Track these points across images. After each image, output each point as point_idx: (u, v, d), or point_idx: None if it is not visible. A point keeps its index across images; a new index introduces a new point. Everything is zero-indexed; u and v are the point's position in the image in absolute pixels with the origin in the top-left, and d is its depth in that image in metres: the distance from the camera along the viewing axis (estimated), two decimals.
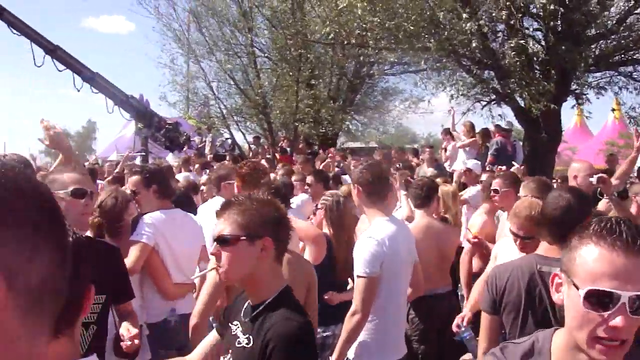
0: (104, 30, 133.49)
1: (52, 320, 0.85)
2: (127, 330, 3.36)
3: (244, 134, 22.12)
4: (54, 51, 15.60)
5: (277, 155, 17.06)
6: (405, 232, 4.28)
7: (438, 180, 7.36)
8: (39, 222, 0.81)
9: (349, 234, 5.15)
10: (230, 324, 2.58)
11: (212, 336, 2.75)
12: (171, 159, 15.21)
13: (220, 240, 2.46)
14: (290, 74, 19.27)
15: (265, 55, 21.61)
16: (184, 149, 16.25)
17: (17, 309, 0.78)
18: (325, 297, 4.70)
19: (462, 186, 9.11)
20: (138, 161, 15.12)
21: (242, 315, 2.52)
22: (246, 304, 2.54)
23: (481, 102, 12.84)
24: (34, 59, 15.48)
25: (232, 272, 2.45)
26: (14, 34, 15.29)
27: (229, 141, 20.59)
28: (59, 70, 16.13)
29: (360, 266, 3.86)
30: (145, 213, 4.62)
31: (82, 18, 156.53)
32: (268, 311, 2.39)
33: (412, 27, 11.13)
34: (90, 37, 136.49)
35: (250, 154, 18.41)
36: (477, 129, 12.73)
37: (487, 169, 10.00)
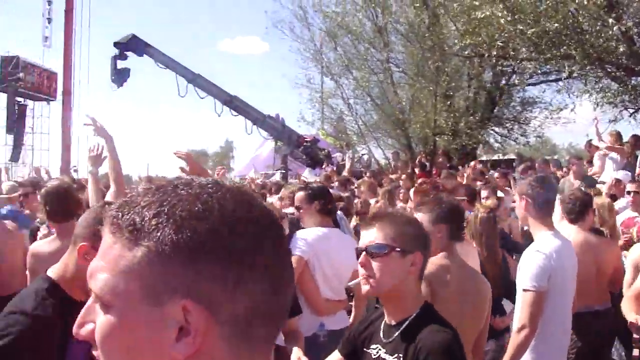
0: (238, 51, 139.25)
1: (263, 345, 0.86)
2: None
3: (382, 150, 22.16)
4: (195, 80, 16.45)
5: (416, 171, 16.88)
6: (569, 247, 4.12)
7: (591, 192, 6.99)
8: (243, 252, 0.81)
9: (497, 249, 4.99)
10: (366, 350, 2.50)
11: (336, 357, 2.73)
12: (308, 175, 15.49)
13: (372, 250, 2.40)
14: (430, 88, 19.04)
15: (402, 70, 21.54)
16: (324, 165, 16.46)
17: (222, 338, 0.80)
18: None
19: (612, 198, 8.62)
20: (277, 178, 15.47)
21: (381, 336, 2.45)
22: (382, 324, 2.47)
23: (628, 109, 12.08)
24: (178, 89, 16.39)
25: (382, 283, 2.39)
26: (160, 67, 16.28)
27: (365, 157, 20.69)
28: (201, 98, 16.96)
29: (527, 280, 3.77)
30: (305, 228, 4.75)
31: (218, 41, 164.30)
32: (416, 327, 2.32)
33: (555, 35, 10.68)
34: (227, 59, 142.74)
35: (390, 169, 18.37)
36: (625, 138, 11.95)
37: (637, 179, 9.38)
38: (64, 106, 41.38)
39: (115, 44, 16.36)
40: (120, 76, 16.75)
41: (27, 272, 3.88)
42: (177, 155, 4.68)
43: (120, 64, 16.61)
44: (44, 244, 3.89)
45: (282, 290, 0.86)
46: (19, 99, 43.74)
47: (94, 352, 0.85)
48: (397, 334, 2.35)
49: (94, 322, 0.85)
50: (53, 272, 2.25)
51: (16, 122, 43.51)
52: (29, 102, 45.69)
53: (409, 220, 2.49)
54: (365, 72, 20.63)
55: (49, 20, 44.22)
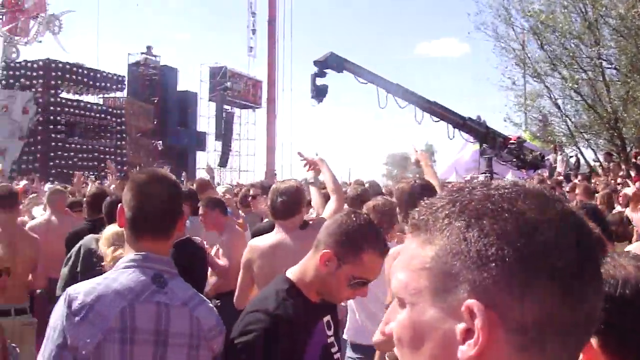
0: (436, 54, 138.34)
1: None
2: None
3: (594, 151, 21.05)
4: (394, 90, 16.64)
5: (632, 173, 15.80)
6: None
7: None
8: (533, 255, 0.76)
9: None
10: None
11: None
12: (510, 177, 15.01)
13: None
14: None
15: (614, 66, 20.30)
16: (538, 169, 15.90)
17: (509, 346, 0.76)
18: None
19: None
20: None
21: None
22: None
23: None
24: (379, 101, 16.70)
25: None
26: (360, 83, 16.72)
27: (573, 159, 19.74)
28: (401, 107, 17.13)
29: None
30: None
31: (416, 44, 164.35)
32: None
33: None
34: (424, 62, 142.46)
35: (602, 171, 17.40)
36: None
37: None
38: (269, 113, 43.52)
39: (315, 62, 16.97)
40: (319, 93, 17.35)
41: (242, 265, 4.09)
42: (300, 157, 4.74)
43: (320, 81, 17.21)
44: (261, 239, 4.09)
45: (580, 299, 0.77)
46: (226, 107, 46.75)
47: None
48: None
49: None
50: (292, 273, 2.33)
51: (224, 129, 46.46)
52: (236, 110, 48.69)
53: None
54: (574, 70, 19.71)
55: (254, 31, 46.38)
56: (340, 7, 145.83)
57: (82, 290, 1.92)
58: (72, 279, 3.87)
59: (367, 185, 7.50)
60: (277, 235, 3.99)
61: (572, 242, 0.78)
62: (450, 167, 25.35)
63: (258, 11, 46.05)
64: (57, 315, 1.89)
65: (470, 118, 17.83)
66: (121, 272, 2.01)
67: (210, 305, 2.20)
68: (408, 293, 0.82)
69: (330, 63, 16.76)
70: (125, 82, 37.86)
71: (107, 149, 33.56)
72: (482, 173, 17.66)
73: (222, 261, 5.37)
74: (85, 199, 5.94)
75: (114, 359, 1.88)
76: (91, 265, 3.65)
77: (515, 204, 0.78)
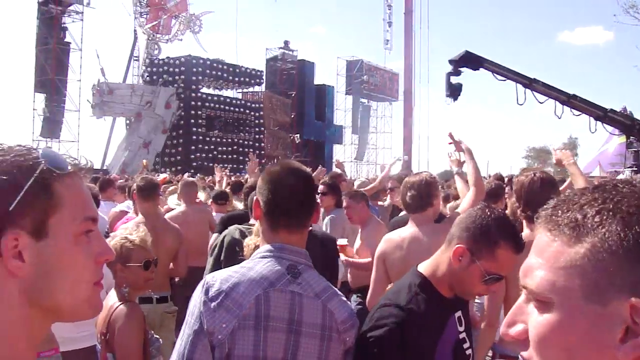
0: (579, 42, 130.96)
1: None
2: None
3: None
4: (531, 85, 15.85)
5: None
6: None
7: None
8: None
9: None
10: None
11: None
12: None
13: None
14: None
15: None
16: None
17: None
18: None
19: None
20: (627, 176, 13.87)
21: None
22: None
23: None
24: (517, 97, 16.01)
25: None
26: (499, 80, 16.05)
27: None
28: (540, 102, 16.25)
29: None
30: None
31: (557, 32, 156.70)
32: None
33: None
34: (566, 51, 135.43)
35: None
36: None
37: None
38: (405, 105, 43.14)
39: (450, 61, 16.61)
40: (454, 91, 16.97)
41: (375, 259, 4.09)
42: (450, 138, 4.62)
43: (454, 79, 16.82)
44: (395, 233, 4.09)
45: None
46: (363, 100, 46.93)
47: (523, 354, 0.83)
48: None
49: (524, 322, 0.83)
50: (424, 268, 2.31)
51: (361, 122, 46.60)
52: (372, 103, 48.75)
53: None
54: None
55: (389, 23, 46.40)
56: None
57: (219, 278, 2.00)
58: (217, 267, 3.89)
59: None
60: (410, 229, 3.97)
61: None
62: (593, 161, 23.79)
63: (394, 3, 45.83)
64: (195, 301, 1.97)
65: (612, 110, 16.55)
66: (257, 261, 2.07)
67: (344, 298, 2.16)
68: (556, 293, 0.79)
69: (465, 61, 16.34)
70: (264, 77, 38.89)
71: (245, 142, 34.55)
72: (629, 167, 16.32)
73: (364, 254, 5.34)
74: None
75: (248, 345, 1.94)
76: (234, 255, 3.89)
77: None
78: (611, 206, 0.78)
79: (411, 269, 2.37)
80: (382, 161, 48.48)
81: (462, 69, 16.46)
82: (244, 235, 4.10)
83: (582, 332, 0.77)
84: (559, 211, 0.82)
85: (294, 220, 2.11)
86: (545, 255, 0.82)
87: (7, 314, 1.00)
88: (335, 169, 10.73)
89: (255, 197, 2.18)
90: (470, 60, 16.28)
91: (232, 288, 1.96)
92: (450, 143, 4.63)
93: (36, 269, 0.99)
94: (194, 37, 34.96)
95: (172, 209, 7.17)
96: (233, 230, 4.32)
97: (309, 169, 2.35)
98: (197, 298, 1.97)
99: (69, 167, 1.04)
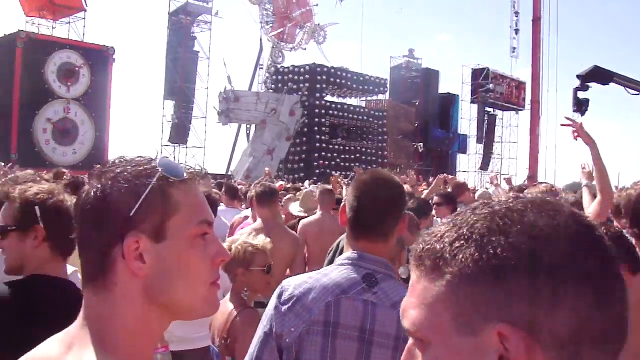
0: None
1: None
2: None
3: None
4: None
5: None
6: None
7: None
8: (554, 263, 0.72)
9: None
10: None
11: None
12: None
13: None
14: None
15: None
16: None
17: None
18: None
19: None
20: None
21: None
22: None
23: None
24: None
25: None
26: (631, 94, 14.94)
27: None
28: None
29: None
30: None
31: None
32: None
33: None
34: None
35: None
36: None
37: None
38: (532, 115, 41.50)
39: (578, 76, 15.63)
40: (581, 106, 15.97)
41: None
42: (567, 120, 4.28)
43: (582, 95, 15.82)
44: None
45: (611, 301, 0.73)
46: (488, 109, 45.63)
47: None
48: None
49: None
50: None
51: (486, 132, 45.34)
52: (498, 112, 47.30)
53: None
54: None
55: (516, 31, 45.18)
56: (608, 2, 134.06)
57: (294, 283, 2.03)
58: None
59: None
60: None
61: (590, 244, 0.75)
62: None
63: (522, 10, 44.47)
64: (270, 304, 2.02)
65: None
66: (335, 268, 2.07)
67: None
68: (430, 330, 0.77)
69: (595, 77, 15.36)
70: (388, 85, 38.55)
71: (368, 150, 34.39)
72: None
73: None
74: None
75: (315, 351, 1.95)
76: None
77: (525, 216, 0.76)
78: (465, 231, 0.76)
79: None
80: (507, 172, 47.14)
81: (590, 85, 15.49)
82: None
83: None
84: (422, 245, 0.80)
85: (376, 229, 2.10)
86: (415, 293, 0.80)
87: (131, 311, 1.07)
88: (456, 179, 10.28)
89: (343, 203, 2.22)
90: (599, 76, 15.21)
91: (304, 293, 1.99)
92: (564, 125, 4.23)
93: (156, 270, 1.07)
94: (318, 48, 35.20)
95: (294, 216, 7.20)
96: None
97: (396, 179, 2.31)
98: (272, 301, 2.02)
99: (185, 175, 1.13)
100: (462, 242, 0.75)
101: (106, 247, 1.07)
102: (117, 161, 1.12)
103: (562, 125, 4.28)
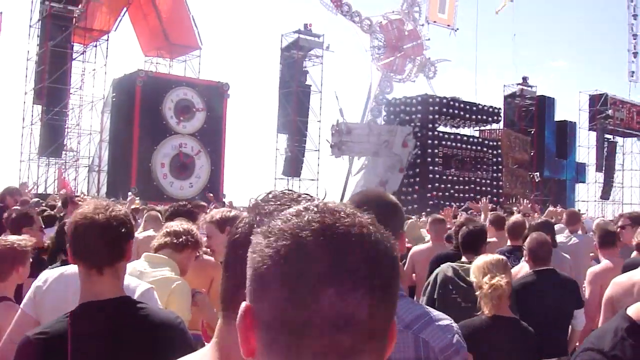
0: None
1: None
2: None
3: None
4: None
5: None
6: None
7: None
8: (257, 265, 0.91)
9: None
10: None
11: None
12: None
13: None
14: None
15: None
16: None
17: (260, 343, 0.90)
18: None
19: None
20: None
21: None
22: None
23: None
24: None
25: None
26: None
27: None
28: None
29: None
30: None
31: None
32: None
33: None
34: None
35: None
36: None
37: None
38: None
39: None
40: None
41: (603, 303, 4.04)
42: None
43: None
44: (626, 275, 4.03)
45: (308, 300, 0.85)
46: (608, 136, 43.65)
47: None
48: None
49: None
50: (634, 311, 2.04)
51: (606, 160, 43.43)
52: (619, 139, 45.19)
53: None
54: None
55: (635, 54, 43.72)
56: None
57: None
58: (431, 305, 4.00)
59: None
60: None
61: (284, 249, 0.87)
62: None
63: (639, 32, 42.58)
64: None
65: None
66: None
67: (442, 323, 2.02)
68: None
69: None
70: (502, 114, 37.42)
71: (483, 181, 33.38)
72: None
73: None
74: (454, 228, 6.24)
75: None
76: (447, 292, 4.26)
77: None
78: None
79: (620, 311, 2.15)
80: (629, 200, 44.66)
81: None
82: (457, 273, 4.31)
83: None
84: None
85: None
86: None
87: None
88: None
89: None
90: None
91: None
92: None
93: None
94: (427, 82, 34.69)
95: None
96: (446, 268, 4.48)
97: (393, 197, 2.31)
98: None
99: None
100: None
101: (242, 284, 1.07)
102: None
103: None
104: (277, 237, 0.87)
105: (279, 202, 1.16)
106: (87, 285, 2.25)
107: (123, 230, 2.30)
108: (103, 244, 2.25)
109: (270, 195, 1.19)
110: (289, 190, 1.19)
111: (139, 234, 6.29)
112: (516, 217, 7.38)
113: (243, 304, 0.89)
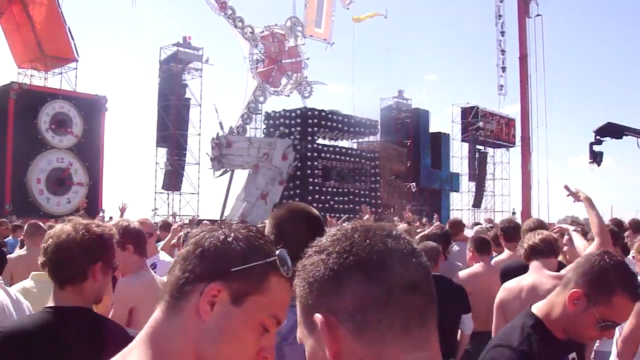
0: None
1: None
2: None
3: None
4: None
5: None
6: None
7: None
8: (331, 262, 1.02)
9: None
10: None
11: None
12: None
13: None
14: None
15: None
16: None
17: (347, 333, 0.98)
18: None
19: None
20: None
21: None
22: None
23: None
24: None
25: None
26: None
27: None
28: None
29: None
30: None
31: None
32: None
33: None
34: None
35: None
36: None
37: None
38: (523, 151, 41.67)
39: (594, 131, 16.07)
40: (596, 159, 16.35)
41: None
42: (566, 190, 4.61)
43: (597, 148, 16.26)
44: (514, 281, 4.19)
45: (384, 276, 0.99)
46: (479, 146, 45.83)
47: None
48: None
49: None
50: (538, 309, 2.31)
51: (478, 170, 45.49)
52: (489, 150, 47.49)
53: None
54: None
55: (503, 69, 45.52)
56: (593, 37, 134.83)
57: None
58: None
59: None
60: (531, 277, 4.05)
61: (377, 237, 1.01)
62: None
63: (508, 48, 45.02)
64: None
65: None
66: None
67: None
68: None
69: (608, 132, 15.83)
70: (379, 126, 38.64)
71: (361, 192, 34.25)
72: None
73: None
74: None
75: None
76: None
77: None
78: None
79: (525, 310, 2.37)
80: (500, 208, 47.11)
81: (604, 139, 15.85)
82: None
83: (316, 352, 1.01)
84: None
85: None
86: None
87: (177, 343, 1.18)
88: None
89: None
90: (612, 131, 15.67)
91: None
92: (567, 195, 4.61)
93: (215, 324, 1.17)
94: (302, 101, 34.97)
95: None
96: None
97: (317, 212, 2.39)
98: None
99: (289, 274, 1.22)
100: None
101: (196, 278, 1.19)
102: (251, 227, 1.29)
103: (567, 194, 4.58)
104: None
105: (251, 233, 1.28)
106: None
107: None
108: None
109: (251, 227, 1.32)
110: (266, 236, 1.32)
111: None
112: (402, 226, 7.61)
113: (318, 317, 0.97)
